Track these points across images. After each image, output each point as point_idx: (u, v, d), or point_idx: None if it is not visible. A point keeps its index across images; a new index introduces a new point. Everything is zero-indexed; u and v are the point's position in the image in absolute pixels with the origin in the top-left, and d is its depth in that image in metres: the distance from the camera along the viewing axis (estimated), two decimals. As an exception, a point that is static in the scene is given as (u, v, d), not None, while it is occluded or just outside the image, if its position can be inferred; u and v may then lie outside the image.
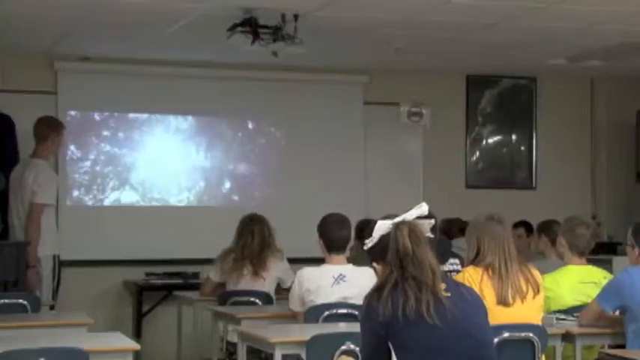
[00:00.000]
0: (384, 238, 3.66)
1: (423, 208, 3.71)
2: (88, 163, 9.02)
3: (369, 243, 3.70)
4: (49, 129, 7.74)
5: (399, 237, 3.61)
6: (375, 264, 3.72)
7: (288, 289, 6.18)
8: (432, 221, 3.75)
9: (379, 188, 9.52)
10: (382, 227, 3.68)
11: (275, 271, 6.88)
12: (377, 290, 3.62)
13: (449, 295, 3.59)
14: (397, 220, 3.67)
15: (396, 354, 3.55)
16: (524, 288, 4.92)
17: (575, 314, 5.50)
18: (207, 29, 7.38)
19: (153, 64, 8.94)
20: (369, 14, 7.08)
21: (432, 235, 3.73)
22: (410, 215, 3.69)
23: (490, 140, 10.18)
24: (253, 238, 6.87)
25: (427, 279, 3.57)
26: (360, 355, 3.86)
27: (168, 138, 9.29)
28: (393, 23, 7.37)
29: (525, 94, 10.23)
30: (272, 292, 6.85)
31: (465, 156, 10.06)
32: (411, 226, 3.65)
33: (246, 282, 6.81)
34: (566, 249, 5.80)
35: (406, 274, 3.58)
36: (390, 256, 3.61)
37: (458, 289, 3.68)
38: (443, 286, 3.60)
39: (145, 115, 9.22)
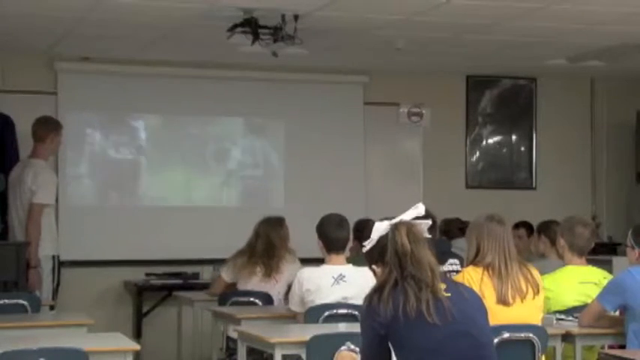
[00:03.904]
0: (382, 240, 3.66)
1: (420, 209, 3.71)
2: (87, 163, 9.03)
3: (368, 245, 3.70)
4: (47, 129, 7.73)
5: (397, 237, 3.62)
6: (374, 266, 3.72)
7: None
8: (429, 221, 3.75)
9: (379, 188, 9.52)
10: (380, 229, 3.68)
11: (289, 274, 6.86)
12: (377, 290, 3.62)
13: (449, 295, 3.59)
14: (394, 220, 3.67)
15: (396, 354, 3.55)
16: (524, 288, 4.93)
17: (575, 314, 5.50)
18: (207, 29, 7.38)
19: (153, 64, 8.94)
20: (369, 14, 7.09)
21: (429, 236, 3.73)
22: (407, 216, 3.69)
23: (490, 140, 10.18)
24: (257, 239, 6.87)
25: (426, 278, 3.58)
26: (360, 356, 3.86)
27: (168, 138, 9.29)
28: (393, 23, 7.37)
29: (525, 94, 10.23)
30: (282, 294, 6.84)
31: (465, 156, 10.06)
32: (409, 226, 3.66)
33: (257, 281, 6.80)
34: (565, 249, 5.80)
35: (405, 273, 3.58)
36: (389, 257, 3.61)
37: (458, 289, 3.68)
38: (443, 286, 3.60)
39: (145, 115, 9.22)
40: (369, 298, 3.62)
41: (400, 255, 3.60)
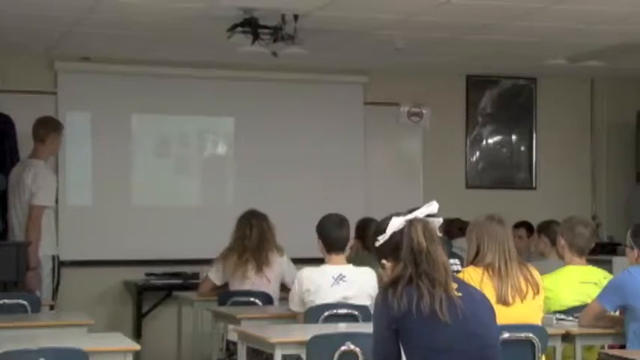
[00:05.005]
0: (396, 235, 3.64)
1: (433, 207, 3.69)
2: (87, 163, 9.02)
3: (381, 240, 3.68)
4: (47, 129, 7.73)
5: (413, 234, 3.60)
6: (384, 261, 3.70)
7: None
8: (441, 219, 3.74)
9: (379, 188, 9.52)
10: (395, 224, 3.65)
11: (278, 267, 6.88)
12: (391, 285, 3.59)
13: (460, 294, 3.58)
14: (410, 216, 3.66)
15: (405, 350, 3.54)
16: (524, 288, 4.93)
17: (575, 314, 5.50)
18: (207, 29, 7.38)
19: (153, 64, 8.94)
20: (368, 14, 7.09)
21: (440, 234, 3.73)
22: (420, 213, 3.67)
23: (490, 140, 10.18)
24: (252, 230, 6.88)
25: (440, 276, 3.57)
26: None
27: (168, 138, 9.30)
28: (393, 23, 7.37)
29: (525, 94, 10.23)
30: (277, 292, 6.86)
31: (465, 156, 10.06)
32: (425, 224, 3.64)
33: (252, 278, 6.80)
34: (566, 249, 5.81)
35: (419, 270, 3.57)
36: (404, 253, 3.59)
37: (468, 289, 3.68)
38: (454, 285, 3.60)
39: (145, 115, 9.23)
40: (384, 292, 3.59)
41: (416, 252, 3.59)
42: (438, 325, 3.51)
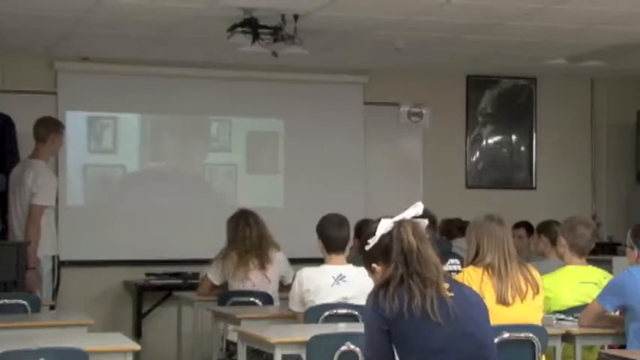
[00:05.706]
0: (385, 238, 3.65)
1: (418, 208, 3.70)
2: (87, 163, 9.02)
3: (371, 242, 3.68)
4: (48, 129, 7.74)
5: (403, 234, 3.61)
6: (374, 265, 3.70)
7: (289, 287, 6.18)
8: (426, 221, 3.74)
9: (379, 188, 9.52)
10: (383, 226, 3.66)
11: (277, 265, 6.89)
12: (382, 286, 3.60)
13: (452, 295, 3.58)
14: (398, 218, 3.66)
15: (398, 352, 3.54)
16: (523, 288, 4.93)
17: (575, 314, 5.50)
18: (207, 29, 7.38)
19: (153, 64, 8.94)
20: (368, 15, 7.09)
21: (427, 235, 3.73)
22: (408, 214, 3.68)
23: (490, 140, 10.18)
24: (252, 230, 6.88)
25: (432, 275, 3.57)
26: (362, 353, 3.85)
27: (168, 138, 9.30)
28: (393, 23, 7.37)
29: (525, 94, 10.23)
30: (276, 291, 6.86)
31: (465, 156, 10.06)
32: (414, 224, 3.65)
33: (253, 278, 6.80)
34: (566, 249, 5.80)
35: (410, 269, 3.57)
36: (395, 254, 3.59)
37: (460, 289, 3.68)
38: (446, 285, 3.60)
39: (145, 115, 9.23)
40: (375, 294, 3.60)
41: (406, 252, 3.59)
42: (431, 325, 3.50)
